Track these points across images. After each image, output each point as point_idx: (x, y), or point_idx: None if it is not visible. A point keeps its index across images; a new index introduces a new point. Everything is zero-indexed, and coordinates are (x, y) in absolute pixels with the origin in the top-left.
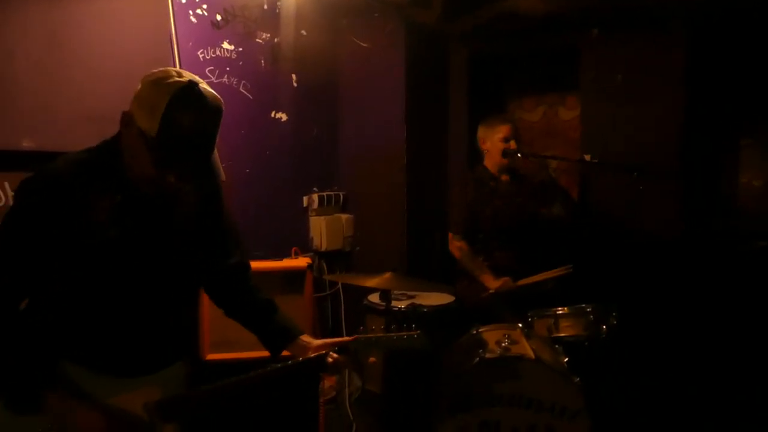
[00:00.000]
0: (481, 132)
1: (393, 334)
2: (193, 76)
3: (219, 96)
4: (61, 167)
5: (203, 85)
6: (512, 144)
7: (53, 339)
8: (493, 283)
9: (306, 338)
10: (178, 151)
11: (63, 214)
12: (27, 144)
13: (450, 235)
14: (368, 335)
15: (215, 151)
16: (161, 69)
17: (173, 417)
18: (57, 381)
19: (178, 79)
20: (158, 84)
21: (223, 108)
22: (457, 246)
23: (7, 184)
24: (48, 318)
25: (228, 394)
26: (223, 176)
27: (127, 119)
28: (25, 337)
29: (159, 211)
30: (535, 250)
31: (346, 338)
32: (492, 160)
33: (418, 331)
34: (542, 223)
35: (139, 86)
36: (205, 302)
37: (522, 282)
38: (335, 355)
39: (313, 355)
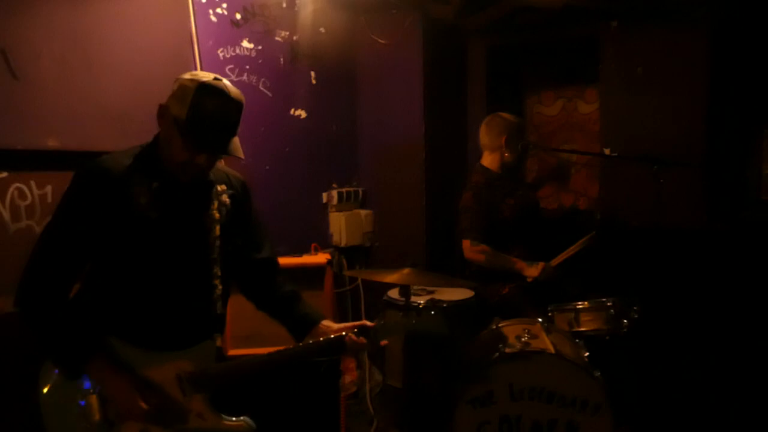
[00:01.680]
0: (508, 128)
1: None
2: (218, 76)
3: (240, 92)
4: (106, 162)
5: (226, 82)
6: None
7: (99, 316)
8: (532, 271)
9: (327, 323)
10: (204, 131)
11: (109, 201)
12: (52, 143)
13: (467, 243)
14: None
15: (237, 137)
16: (190, 72)
17: (203, 387)
18: (100, 353)
19: (205, 75)
20: (188, 79)
21: (244, 102)
22: (478, 250)
23: (33, 183)
24: (95, 297)
25: (254, 369)
26: (241, 155)
27: (163, 110)
28: (75, 314)
29: (193, 197)
30: (541, 236)
31: (366, 322)
32: (502, 159)
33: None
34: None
35: (172, 89)
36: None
37: (555, 262)
38: (354, 337)
39: (333, 336)
